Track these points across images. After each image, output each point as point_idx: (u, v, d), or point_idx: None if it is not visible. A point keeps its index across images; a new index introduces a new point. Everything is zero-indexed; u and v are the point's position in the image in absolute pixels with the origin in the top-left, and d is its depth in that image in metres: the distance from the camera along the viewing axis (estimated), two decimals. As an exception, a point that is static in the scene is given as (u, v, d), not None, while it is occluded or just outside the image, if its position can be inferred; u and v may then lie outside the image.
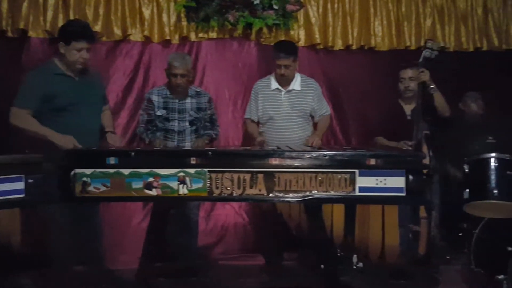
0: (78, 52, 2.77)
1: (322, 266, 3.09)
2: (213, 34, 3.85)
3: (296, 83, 3.34)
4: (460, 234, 3.34)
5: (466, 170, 2.86)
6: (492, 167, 2.75)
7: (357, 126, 4.09)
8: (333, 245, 2.73)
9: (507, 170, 2.71)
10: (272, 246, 3.46)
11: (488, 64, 4.18)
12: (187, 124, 3.26)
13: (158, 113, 3.23)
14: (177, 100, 3.26)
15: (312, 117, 3.43)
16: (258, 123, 3.44)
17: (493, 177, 2.73)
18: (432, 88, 3.14)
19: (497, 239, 2.84)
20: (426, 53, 3.07)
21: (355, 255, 3.26)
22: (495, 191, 2.70)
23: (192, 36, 3.86)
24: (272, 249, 3.48)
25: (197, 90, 3.40)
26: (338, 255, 3.38)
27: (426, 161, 2.76)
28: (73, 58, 2.77)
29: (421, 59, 3.10)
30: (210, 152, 2.45)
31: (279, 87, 3.33)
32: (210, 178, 2.40)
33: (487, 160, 2.78)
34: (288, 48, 3.29)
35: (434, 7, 4.15)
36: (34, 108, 2.72)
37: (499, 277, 2.67)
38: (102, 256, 3.05)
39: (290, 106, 3.31)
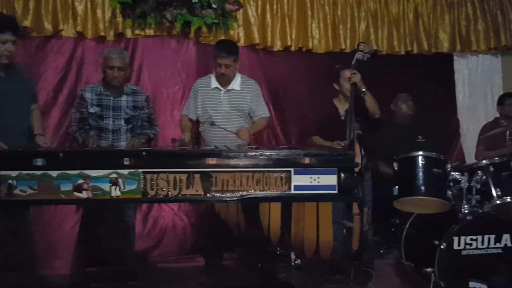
0: (2, 45, 2.66)
1: (260, 264, 3.12)
2: (150, 32, 3.76)
3: (236, 83, 3.34)
4: (393, 230, 3.50)
5: (396, 168, 2.99)
6: (419, 165, 2.88)
7: (297, 126, 4.16)
8: (270, 243, 2.76)
9: (433, 168, 2.86)
10: (211, 247, 3.45)
11: (419, 67, 4.40)
12: (122, 122, 3.17)
13: (91, 110, 3.11)
14: (111, 97, 3.16)
15: (251, 117, 3.45)
16: (197, 121, 3.40)
17: (420, 174, 2.86)
18: (363, 91, 3.25)
19: (425, 234, 2.99)
20: (358, 55, 3.17)
21: (293, 253, 3.34)
22: (422, 188, 2.83)
23: (128, 33, 3.75)
24: (211, 249, 3.46)
25: (134, 88, 3.31)
26: (278, 252, 3.45)
27: (358, 159, 2.85)
28: None
29: (354, 61, 3.19)
30: (144, 152, 2.40)
31: (219, 86, 3.32)
32: (145, 179, 2.36)
33: (415, 158, 2.91)
34: (230, 47, 3.29)
35: (368, 11, 4.29)
36: None
37: (427, 270, 2.81)
38: (34, 262, 2.90)
39: (229, 106, 3.31)
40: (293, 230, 2.63)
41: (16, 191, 2.27)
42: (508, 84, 4.64)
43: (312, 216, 2.60)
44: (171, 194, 2.38)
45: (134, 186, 2.35)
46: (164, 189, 2.37)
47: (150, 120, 3.33)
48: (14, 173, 2.26)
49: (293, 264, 3.43)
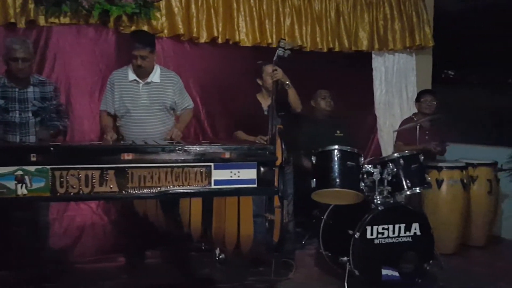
0: None
1: (183, 261, 3.09)
2: (66, 20, 3.54)
3: (156, 76, 3.25)
4: (314, 221, 3.61)
5: (314, 162, 3.07)
6: (335, 158, 2.99)
7: (224, 120, 4.14)
8: (192, 239, 2.73)
9: (347, 161, 2.98)
10: (132, 245, 3.35)
11: (340, 64, 4.55)
12: (30, 115, 2.98)
13: None
14: (17, 89, 2.96)
15: (174, 110, 3.38)
16: (115, 116, 3.28)
17: (335, 167, 2.97)
18: (287, 84, 3.30)
19: (341, 224, 3.11)
20: (279, 51, 3.21)
21: (218, 248, 3.34)
22: (337, 180, 2.95)
23: (41, 21, 3.51)
24: (132, 248, 3.36)
25: (41, 78, 3.12)
26: (202, 248, 3.43)
27: (279, 153, 2.89)
28: None
29: (275, 58, 3.23)
30: (52, 148, 2.26)
31: (137, 78, 3.21)
32: (53, 176, 2.23)
33: (331, 152, 3.02)
34: (145, 38, 3.19)
35: (293, 7, 4.35)
36: None
37: (343, 259, 2.93)
38: None
39: (148, 99, 3.21)
40: (214, 225, 2.62)
41: None
42: (421, 81, 4.95)
43: (233, 210, 2.60)
44: (83, 192, 2.27)
45: (42, 184, 2.21)
46: (75, 187, 2.25)
47: (59, 112, 3.15)
48: None
49: (217, 258, 3.43)
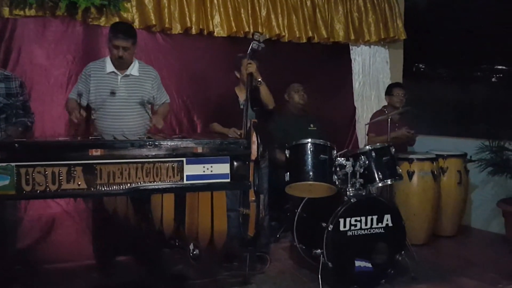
0: None
1: (154, 259, 3.04)
2: (31, 12, 3.43)
3: (134, 69, 3.19)
4: (288, 214, 3.61)
5: (287, 155, 3.07)
6: (308, 151, 2.99)
7: (201, 112, 4.09)
8: (164, 235, 2.69)
9: (321, 154, 2.98)
10: (103, 244, 3.27)
11: (319, 56, 4.56)
12: None
13: None
14: None
15: (151, 104, 3.32)
16: (87, 108, 3.18)
17: (308, 160, 2.97)
18: (258, 81, 3.27)
19: (314, 217, 3.12)
20: (253, 45, 3.18)
21: (192, 244, 3.30)
22: (310, 173, 2.96)
23: (6, 13, 3.38)
24: (103, 246, 3.28)
25: (6, 73, 2.99)
26: (176, 245, 3.38)
27: (254, 148, 2.87)
28: None
29: (249, 51, 3.20)
30: (16, 144, 2.18)
31: (116, 70, 3.13)
32: (19, 173, 2.16)
33: (304, 145, 3.01)
34: (128, 30, 3.12)
35: (267, -4, 4.32)
36: None
37: (316, 251, 2.94)
38: None
39: (126, 92, 3.14)
40: (187, 221, 2.58)
41: None
42: (394, 74, 5.02)
43: (206, 206, 2.57)
44: (50, 189, 2.20)
45: (6, 182, 2.14)
46: (41, 184, 2.19)
47: (25, 108, 3.04)
48: None
49: (191, 255, 3.39)
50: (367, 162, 3.06)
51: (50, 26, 3.54)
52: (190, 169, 2.45)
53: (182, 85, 4.07)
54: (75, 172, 2.25)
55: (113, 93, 3.06)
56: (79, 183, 2.26)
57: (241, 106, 3.45)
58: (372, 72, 4.93)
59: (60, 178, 2.22)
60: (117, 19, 3.65)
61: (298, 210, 3.23)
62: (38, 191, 2.19)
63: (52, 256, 3.37)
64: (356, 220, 2.92)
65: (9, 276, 2.89)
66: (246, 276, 3.11)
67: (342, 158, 3.04)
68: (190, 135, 3.75)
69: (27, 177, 2.17)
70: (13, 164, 2.14)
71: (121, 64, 3.12)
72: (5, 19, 3.42)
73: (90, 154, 2.28)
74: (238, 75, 3.54)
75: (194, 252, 3.41)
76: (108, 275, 3.15)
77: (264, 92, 3.31)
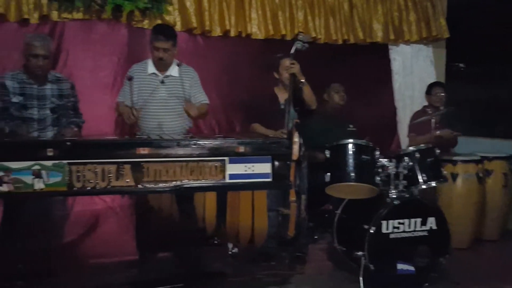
0: None
1: (195, 255, 3.09)
2: (79, 15, 3.57)
3: (174, 70, 3.25)
4: (326, 215, 3.59)
5: (328, 156, 3.05)
6: (350, 152, 2.96)
7: (240, 113, 4.12)
8: (206, 233, 2.73)
9: (362, 155, 2.95)
10: (146, 239, 3.36)
11: (356, 56, 4.51)
12: (48, 112, 2.98)
13: (14, 99, 2.89)
14: (35, 86, 2.95)
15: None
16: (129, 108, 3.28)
17: (350, 161, 2.94)
18: (301, 81, 3.28)
19: (355, 218, 3.09)
20: (297, 45, 3.18)
21: (231, 242, 3.34)
22: (352, 174, 2.93)
23: (54, 16, 3.53)
24: (146, 242, 3.37)
25: (57, 75, 3.12)
26: (215, 242, 3.43)
27: (296, 148, 2.88)
28: None
29: (292, 51, 3.21)
30: (68, 143, 2.27)
31: (156, 72, 3.21)
32: (70, 170, 2.25)
33: (345, 146, 2.99)
34: (168, 31, 3.19)
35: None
36: None
37: (358, 253, 2.91)
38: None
39: (166, 92, 3.22)
40: (228, 219, 2.62)
41: None
42: (439, 73, 4.91)
43: (247, 204, 2.60)
44: (100, 186, 2.28)
45: (58, 179, 2.23)
46: (91, 181, 2.27)
47: (75, 109, 3.17)
48: None
49: (230, 253, 3.43)
50: (410, 163, 3.00)
51: (96, 29, 3.67)
52: (232, 168, 2.49)
53: (221, 86, 4.12)
54: (123, 170, 2.32)
55: (160, 125, 3.14)
56: (127, 180, 2.33)
57: (282, 106, 3.47)
58: (415, 72, 4.83)
59: (109, 175, 2.30)
60: (159, 22, 3.74)
61: (339, 211, 3.21)
62: (89, 188, 2.28)
63: (96, 251, 3.48)
64: (399, 223, 2.88)
65: (54, 268, 3.01)
66: (285, 276, 3.12)
67: (385, 159, 3.00)
68: (231, 135, 3.79)
69: (78, 174, 2.26)
70: (65, 161, 2.24)
71: (162, 65, 3.19)
72: (54, 22, 3.57)
73: (137, 152, 2.35)
74: (276, 75, 3.55)
75: (233, 250, 3.46)
76: (149, 270, 3.23)
77: (307, 92, 3.32)
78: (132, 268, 3.24)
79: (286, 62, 3.40)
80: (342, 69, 4.31)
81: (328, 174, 2.98)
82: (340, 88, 3.96)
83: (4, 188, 2.17)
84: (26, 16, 3.45)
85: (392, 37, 4.63)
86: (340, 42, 4.44)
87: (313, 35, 4.29)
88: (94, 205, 3.58)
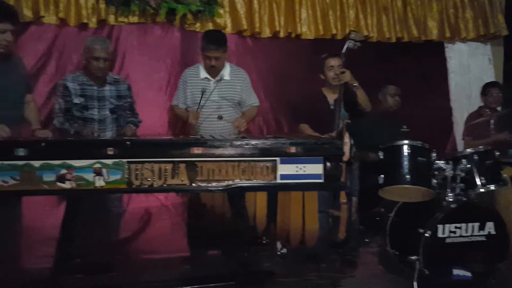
0: (1, 34, 2.59)
1: (246, 254, 3.12)
2: (134, 19, 3.70)
3: (226, 73, 3.30)
4: (377, 218, 3.52)
5: (381, 157, 2.99)
6: (405, 153, 2.88)
7: (288, 113, 4.15)
8: (256, 232, 2.76)
9: (418, 156, 2.87)
10: (197, 237, 3.42)
11: (410, 55, 4.41)
12: (107, 112, 3.11)
13: (76, 101, 3.03)
14: (95, 87, 3.08)
15: (240, 106, 3.42)
16: (186, 111, 3.37)
17: (405, 163, 2.86)
18: (355, 86, 3.24)
19: (409, 222, 3.01)
20: (349, 44, 3.14)
21: (279, 242, 3.34)
22: (408, 176, 2.85)
23: (111, 20, 3.68)
24: (197, 239, 3.44)
25: (115, 77, 3.24)
26: (264, 242, 3.44)
27: (347, 148, 2.84)
28: None
29: (344, 50, 3.17)
30: (128, 142, 2.35)
31: (208, 76, 3.28)
32: (129, 169, 2.31)
33: (400, 147, 2.91)
34: (218, 39, 3.22)
35: (357, -3, 4.28)
36: None
37: (412, 257, 2.83)
38: (19, 255, 2.86)
39: (218, 96, 3.27)
40: (279, 219, 2.63)
41: (-3, 182, 2.21)
42: (498, 71, 4.70)
43: (298, 205, 2.60)
44: (156, 184, 2.34)
45: (118, 176, 2.31)
46: (149, 179, 2.33)
47: (132, 109, 3.28)
48: (-5, 164, 2.20)
49: (278, 253, 3.43)
50: (468, 165, 2.89)
51: (150, 32, 3.79)
52: (284, 169, 2.48)
53: (270, 87, 4.15)
54: (178, 169, 2.37)
55: (220, 117, 3.18)
56: (182, 179, 2.38)
57: (331, 107, 3.44)
58: (472, 71, 4.65)
59: (166, 174, 2.36)
60: (211, 25, 3.82)
61: (392, 215, 3.14)
62: (146, 186, 2.34)
63: (149, 247, 3.58)
64: (456, 227, 2.78)
65: (109, 263, 3.13)
66: (335, 279, 3.09)
67: (442, 161, 2.90)
68: (280, 135, 3.80)
69: (137, 172, 2.32)
70: (124, 160, 2.31)
71: (214, 71, 3.25)
72: (111, 26, 3.72)
73: (192, 152, 2.40)
74: (322, 76, 3.53)
75: (282, 251, 3.46)
76: (200, 267, 3.29)
77: (361, 96, 3.29)
78: (184, 265, 3.32)
79: (330, 61, 3.38)
80: (395, 68, 4.22)
81: (382, 176, 2.92)
82: (396, 92, 3.86)
83: (67, 185, 2.26)
84: (85, 21, 3.62)
85: (447, 34, 4.49)
86: (393, 40, 4.35)
87: (365, 33, 4.23)
88: (148, 202, 3.70)
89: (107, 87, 3.12)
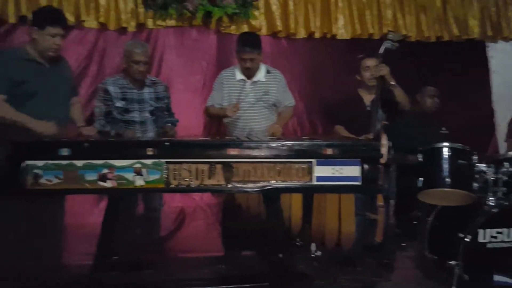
0: (52, 38, 2.71)
1: (280, 255, 3.11)
2: (172, 22, 3.78)
3: (261, 74, 3.31)
4: (415, 222, 3.45)
5: (420, 159, 2.93)
6: (445, 156, 2.81)
7: (323, 115, 4.14)
8: (291, 234, 2.75)
9: (458, 159, 2.79)
10: (231, 237, 3.45)
11: (450, 54, 4.31)
12: (147, 114, 3.16)
13: (118, 104, 3.09)
14: (135, 90, 3.15)
15: (276, 107, 3.43)
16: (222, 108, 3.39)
17: (445, 165, 2.79)
18: (392, 84, 3.19)
19: (449, 226, 2.94)
20: (387, 44, 3.09)
21: (313, 244, 3.32)
22: (448, 180, 2.78)
23: (149, 24, 3.77)
24: (231, 239, 3.46)
25: (153, 79, 3.30)
26: (297, 244, 3.43)
27: (385, 150, 2.80)
28: (46, 43, 2.70)
29: (381, 50, 3.13)
30: (167, 143, 2.40)
31: (244, 78, 3.30)
32: (168, 169, 2.36)
33: (440, 149, 2.84)
34: (253, 41, 3.23)
35: (395, -4, 4.22)
36: (4, 93, 2.64)
37: (451, 262, 2.76)
38: (60, 252, 2.96)
39: (254, 97, 3.29)
40: (314, 221, 2.62)
41: (42, 181, 2.29)
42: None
43: (334, 207, 2.59)
44: (193, 184, 2.38)
45: (157, 176, 2.36)
46: (186, 179, 2.37)
47: (169, 109, 3.34)
48: (40, 163, 2.29)
49: (313, 255, 3.41)
50: (511, 169, 2.79)
51: (187, 35, 3.87)
52: (320, 171, 2.46)
53: (304, 88, 4.14)
54: (215, 169, 2.40)
55: (249, 135, 3.20)
56: (218, 179, 2.40)
57: (367, 108, 3.40)
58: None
59: (202, 174, 2.39)
60: (246, 27, 3.84)
61: (430, 218, 3.07)
62: (183, 186, 2.38)
63: (184, 246, 3.63)
64: (497, 232, 2.69)
65: (147, 261, 3.20)
66: (370, 282, 3.04)
67: (483, 164, 2.82)
68: (314, 137, 3.78)
69: (175, 172, 2.36)
70: (163, 160, 2.36)
71: (249, 73, 3.27)
72: (149, 30, 3.80)
73: (228, 153, 2.42)
74: (358, 77, 3.49)
75: (316, 253, 3.44)
76: (235, 267, 3.31)
77: (399, 94, 3.23)
78: (218, 264, 3.34)
79: (367, 62, 3.35)
80: (435, 67, 4.13)
81: (421, 179, 2.85)
82: (435, 93, 3.77)
83: (108, 184, 2.33)
84: (124, 25, 3.73)
85: (489, 33, 4.37)
86: (433, 39, 4.27)
87: (404, 32, 4.16)
88: (183, 202, 3.76)
89: (146, 90, 3.18)
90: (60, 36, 2.74)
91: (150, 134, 3.16)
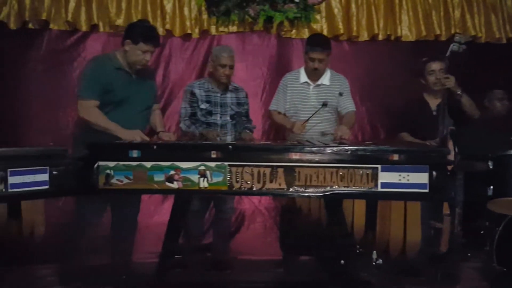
0: (142, 54, 2.79)
1: (342, 262, 3.07)
2: (234, 28, 3.86)
3: (326, 78, 3.30)
4: (482, 232, 3.29)
5: (490, 167, 2.79)
6: (517, 164, 2.68)
7: (385, 120, 4.06)
8: (353, 240, 2.71)
9: (533, 168, 2.65)
10: (291, 241, 3.45)
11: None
12: (228, 118, 3.25)
13: (202, 106, 3.19)
14: (219, 94, 3.24)
15: (338, 112, 3.40)
16: (284, 115, 3.42)
17: (517, 174, 2.66)
18: (458, 94, 3.08)
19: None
20: (454, 47, 2.99)
21: (374, 252, 3.24)
22: (520, 188, 2.64)
23: (213, 30, 3.87)
24: (291, 244, 3.46)
25: (235, 85, 3.36)
26: (358, 251, 3.37)
27: (452, 157, 2.70)
28: (136, 58, 2.79)
29: (448, 53, 3.02)
30: (230, 146, 2.45)
31: (308, 81, 3.29)
32: (231, 172, 2.40)
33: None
34: (324, 42, 3.24)
35: (463, -4, 4.07)
36: (98, 99, 2.76)
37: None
38: (131, 249, 3.09)
39: (317, 101, 3.27)
40: (378, 229, 2.56)
41: (113, 181, 2.41)
42: None
43: (399, 215, 2.50)
44: (255, 188, 2.41)
45: (220, 178, 2.41)
46: (248, 182, 2.40)
47: (247, 115, 3.40)
48: (111, 164, 2.41)
49: (374, 263, 3.34)
50: None
51: (249, 40, 3.92)
52: (385, 177, 2.41)
53: (366, 92, 4.06)
54: (277, 173, 2.42)
55: (325, 104, 3.19)
56: (280, 183, 2.41)
57: (434, 113, 3.28)
58: None
59: (264, 178, 2.41)
60: (307, 31, 3.84)
61: (500, 229, 2.91)
62: (246, 189, 2.41)
63: (242, 248, 3.67)
64: None
65: (207, 261, 3.27)
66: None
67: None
68: (381, 142, 3.70)
69: (237, 175, 2.40)
70: (226, 163, 2.41)
71: (315, 75, 3.25)
72: (212, 36, 3.90)
73: (290, 157, 2.43)
74: (423, 81, 3.38)
75: (378, 261, 3.35)
76: (293, 271, 3.30)
77: (467, 102, 3.12)
78: (277, 268, 3.35)
79: (431, 66, 3.26)
80: (506, 70, 3.91)
81: (491, 187, 2.73)
82: (504, 96, 3.60)
83: (175, 185, 2.42)
84: (188, 31, 3.84)
85: None
86: (504, 41, 4.06)
87: (472, 33, 3.99)
88: (242, 205, 3.81)
89: (228, 94, 3.26)
90: (150, 53, 2.82)
91: (229, 137, 3.23)
